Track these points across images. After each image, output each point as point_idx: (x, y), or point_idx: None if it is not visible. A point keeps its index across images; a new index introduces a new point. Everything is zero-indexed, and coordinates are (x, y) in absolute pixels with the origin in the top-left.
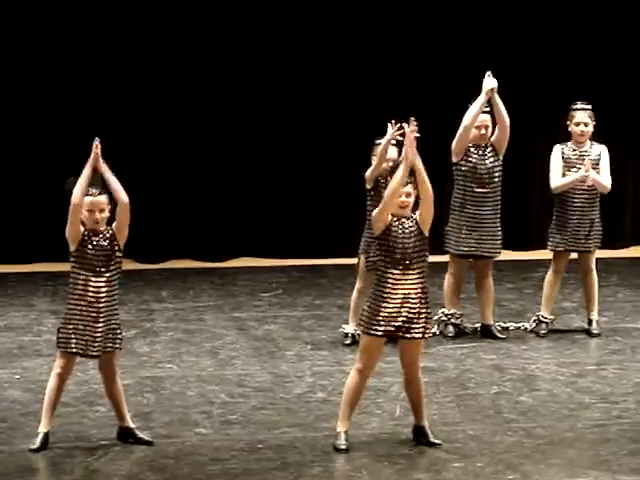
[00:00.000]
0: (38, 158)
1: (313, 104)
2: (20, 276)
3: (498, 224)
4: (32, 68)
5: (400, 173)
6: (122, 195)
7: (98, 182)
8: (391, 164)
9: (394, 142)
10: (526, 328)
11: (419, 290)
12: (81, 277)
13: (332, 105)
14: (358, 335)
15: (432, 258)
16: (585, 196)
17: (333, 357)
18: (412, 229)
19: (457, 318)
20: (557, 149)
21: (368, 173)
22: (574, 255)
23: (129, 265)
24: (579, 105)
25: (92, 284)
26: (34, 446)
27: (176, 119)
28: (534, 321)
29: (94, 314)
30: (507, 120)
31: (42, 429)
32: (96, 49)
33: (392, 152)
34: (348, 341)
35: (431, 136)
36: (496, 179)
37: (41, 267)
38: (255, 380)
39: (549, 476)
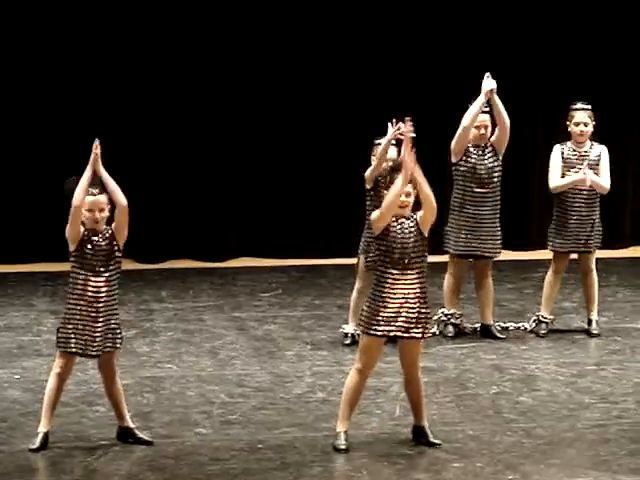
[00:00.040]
0: (38, 158)
1: (313, 104)
2: (20, 276)
3: (498, 224)
4: (32, 68)
5: (400, 182)
6: (120, 197)
7: (98, 182)
8: (391, 164)
9: (393, 142)
10: (526, 328)
11: (418, 290)
12: (80, 277)
13: (332, 105)
14: (358, 335)
15: (432, 258)
16: (585, 196)
17: (333, 357)
18: (412, 229)
19: (457, 318)
20: (557, 149)
21: (368, 173)
22: (574, 255)
23: (129, 265)
24: (579, 105)
25: (91, 284)
26: (34, 446)
27: (176, 119)
28: (534, 321)
29: (93, 314)
30: (507, 121)
31: (42, 429)
32: (96, 49)
33: (392, 152)
34: (348, 341)
35: (431, 136)
36: (495, 179)
37: (41, 267)
38: (255, 380)
39: (549, 476)
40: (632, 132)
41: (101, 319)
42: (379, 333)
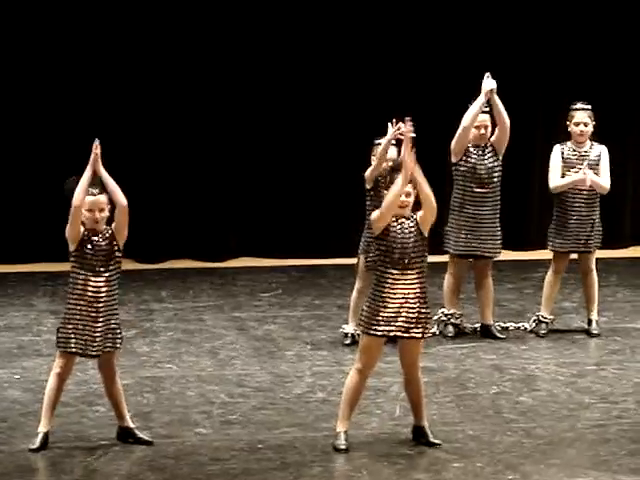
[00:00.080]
0: (38, 158)
1: (313, 104)
2: (20, 276)
3: (498, 224)
4: (32, 69)
5: (400, 182)
6: (120, 197)
7: (98, 182)
8: (390, 164)
9: (393, 142)
10: (526, 328)
11: (418, 290)
12: (80, 277)
13: (332, 105)
14: (358, 335)
15: (432, 258)
16: (585, 196)
17: (333, 357)
18: (412, 229)
19: (457, 318)
20: (557, 149)
21: (368, 173)
22: (574, 255)
23: (129, 265)
24: (578, 105)
25: (91, 284)
26: (34, 446)
27: (176, 119)
28: (534, 321)
29: (93, 314)
30: (507, 121)
31: (42, 429)
32: (96, 50)
33: (392, 152)
34: (348, 341)
35: (431, 136)
36: (495, 179)
37: (41, 267)
38: (255, 380)
39: (549, 476)
40: (632, 132)
41: (101, 319)
42: (379, 333)
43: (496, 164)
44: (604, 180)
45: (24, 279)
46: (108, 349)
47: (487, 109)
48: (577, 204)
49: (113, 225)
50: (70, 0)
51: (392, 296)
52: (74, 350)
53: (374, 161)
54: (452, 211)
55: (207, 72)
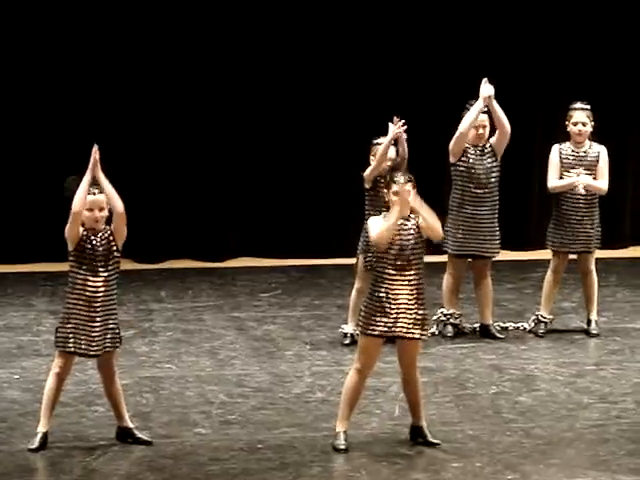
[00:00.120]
0: (38, 158)
1: (312, 104)
2: (19, 276)
3: (496, 224)
4: (32, 69)
5: (394, 216)
6: (117, 203)
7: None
8: (389, 163)
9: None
10: (525, 328)
11: (416, 291)
12: (79, 276)
13: (331, 105)
14: (357, 335)
15: (431, 258)
16: (584, 196)
17: (332, 357)
18: (411, 230)
19: (456, 318)
20: (555, 149)
21: (367, 173)
22: (573, 255)
23: (128, 265)
24: (577, 105)
25: (90, 283)
26: (33, 446)
27: (175, 119)
28: (533, 321)
29: (92, 313)
30: (508, 127)
31: (41, 429)
32: (95, 49)
33: (391, 152)
34: (347, 341)
35: (430, 136)
36: (493, 179)
37: (40, 267)
38: (254, 380)
39: (548, 476)
40: (632, 132)
41: (99, 319)
42: (376, 333)
43: (494, 165)
44: (601, 182)
45: (23, 279)
46: (107, 349)
47: (486, 109)
48: (576, 204)
49: (112, 226)
50: (70, 1)
51: (390, 296)
52: (73, 350)
53: (373, 161)
54: (450, 211)
55: (207, 72)
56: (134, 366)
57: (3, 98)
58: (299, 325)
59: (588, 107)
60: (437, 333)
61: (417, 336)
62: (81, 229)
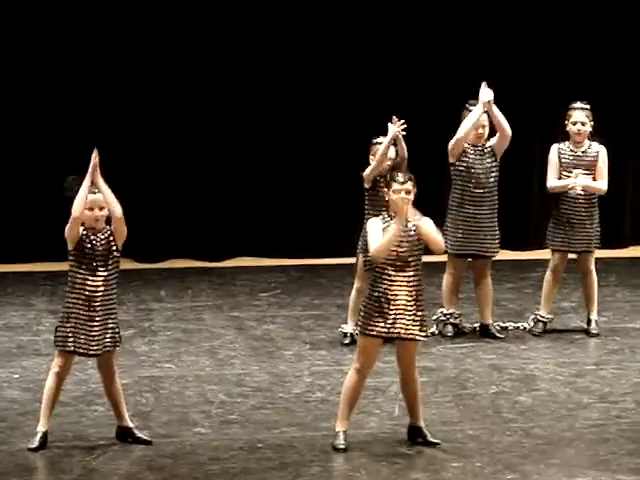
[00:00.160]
0: (38, 158)
1: (312, 104)
2: (19, 275)
3: (496, 224)
4: (32, 69)
5: (390, 236)
6: (116, 208)
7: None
8: (389, 163)
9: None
10: (525, 328)
11: (415, 291)
12: (79, 276)
13: (331, 105)
14: (357, 335)
15: (430, 258)
16: (584, 196)
17: (332, 357)
18: (410, 231)
19: (456, 318)
20: (554, 149)
21: (367, 172)
22: (573, 255)
23: (127, 264)
24: (577, 104)
25: (90, 283)
26: (33, 445)
27: (175, 119)
28: (532, 320)
29: (91, 313)
30: (508, 130)
31: (41, 428)
32: (95, 49)
33: (391, 152)
34: (347, 341)
35: (429, 136)
36: (492, 179)
37: (40, 267)
38: (254, 380)
39: (548, 476)
40: (632, 132)
41: (98, 318)
42: (375, 334)
43: (494, 164)
44: (600, 183)
45: (23, 278)
46: (107, 348)
47: (486, 109)
48: (576, 204)
49: (112, 225)
50: (70, 2)
51: (388, 296)
52: (72, 349)
53: (373, 161)
54: (450, 211)
55: (207, 73)
56: (134, 366)
57: (3, 99)
58: (299, 325)
59: (587, 107)
60: (437, 333)
61: (416, 337)
62: (81, 229)
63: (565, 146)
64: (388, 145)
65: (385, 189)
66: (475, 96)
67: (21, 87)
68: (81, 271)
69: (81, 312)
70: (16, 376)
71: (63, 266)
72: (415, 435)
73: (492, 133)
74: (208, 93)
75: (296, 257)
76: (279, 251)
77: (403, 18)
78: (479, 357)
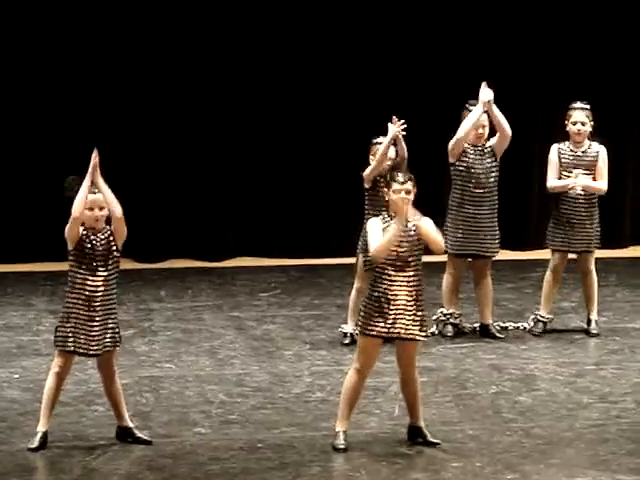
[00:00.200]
0: (38, 158)
1: (312, 104)
2: (19, 275)
3: (496, 224)
4: (32, 69)
5: (395, 229)
6: (116, 208)
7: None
8: (389, 163)
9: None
10: (525, 328)
11: (415, 291)
12: (79, 276)
13: (331, 105)
14: (357, 335)
15: (430, 258)
16: (584, 196)
17: (332, 357)
18: (410, 232)
19: (456, 318)
20: (554, 148)
21: (367, 172)
22: (573, 255)
23: (127, 264)
24: (576, 104)
25: (90, 283)
26: (33, 445)
27: (175, 119)
28: (532, 320)
29: (91, 313)
30: (508, 130)
31: (41, 428)
32: (95, 50)
33: (391, 152)
34: (347, 341)
35: (429, 135)
36: (492, 179)
37: (40, 267)
38: (254, 380)
39: (548, 476)
40: (632, 132)
41: (98, 318)
42: (375, 334)
43: (494, 164)
44: (600, 183)
45: (23, 278)
46: (107, 348)
47: (485, 109)
48: (576, 204)
49: (112, 226)
50: (70, 2)
51: (388, 296)
52: (72, 349)
53: (373, 161)
54: (450, 211)
55: (207, 73)
56: (134, 366)
57: (4, 99)
58: (299, 325)
59: (587, 107)
60: (437, 333)
61: (416, 337)
62: (81, 228)
63: (565, 146)
64: (388, 145)
65: (385, 189)
66: (475, 96)
67: (21, 87)
68: (81, 271)
69: (81, 312)
70: (16, 376)
71: (63, 266)
72: (415, 435)
73: (492, 133)
74: (208, 94)
75: (296, 257)
76: (279, 251)
77: (403, 18)
78: (479, 357)
